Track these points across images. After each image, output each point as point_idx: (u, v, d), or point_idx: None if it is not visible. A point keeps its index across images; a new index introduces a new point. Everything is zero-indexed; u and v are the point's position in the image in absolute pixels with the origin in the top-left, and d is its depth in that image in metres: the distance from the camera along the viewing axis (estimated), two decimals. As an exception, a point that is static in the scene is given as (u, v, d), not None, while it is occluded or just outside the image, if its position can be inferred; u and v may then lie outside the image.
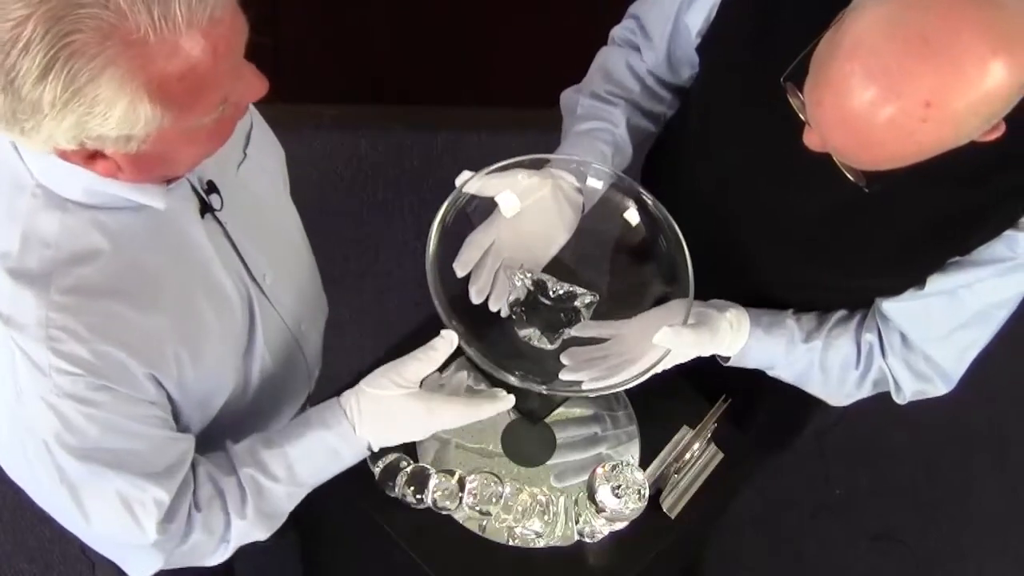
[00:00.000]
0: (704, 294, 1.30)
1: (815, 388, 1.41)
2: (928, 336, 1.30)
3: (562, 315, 1.28)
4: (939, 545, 2.36)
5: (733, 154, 1.30)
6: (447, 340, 1.18)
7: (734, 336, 1.32)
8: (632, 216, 1.30)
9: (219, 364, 1.19)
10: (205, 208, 1.13)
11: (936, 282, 1.25)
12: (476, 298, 1.26)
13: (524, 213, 1.27)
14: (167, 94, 0.89)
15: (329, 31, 2.54)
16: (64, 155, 0.94)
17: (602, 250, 1.33)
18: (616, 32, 1.46)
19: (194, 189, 1.12)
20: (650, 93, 1.44)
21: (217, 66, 0.90)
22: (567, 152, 1.36)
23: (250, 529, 1.21)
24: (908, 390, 1.36)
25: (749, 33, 1.22)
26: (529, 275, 1.27)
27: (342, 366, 1.48)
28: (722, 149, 1.31)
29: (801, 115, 1.06)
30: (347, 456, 1.23)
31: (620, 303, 1.30)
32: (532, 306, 1.27)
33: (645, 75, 1.43)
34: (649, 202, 1.28)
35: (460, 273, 1.23)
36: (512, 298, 1.27)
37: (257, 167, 1.22)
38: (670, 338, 1.21)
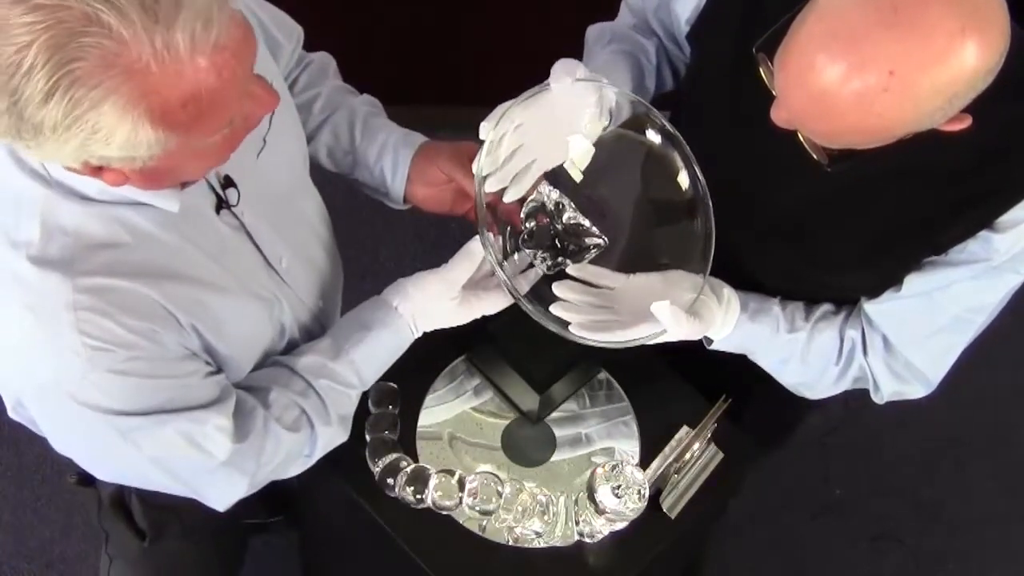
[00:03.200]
0: None
1: (793, 378, 1.40)
2: (907, 339, 1.30)
3: (568, 244, 1.28)
4: (939, 545, 2.36)
5: (718, 139, 1.29)
6: (472, 247, 1.28)
7: (725, 320, 1.32)
8: (683, 180, 1.28)
9: (242, 342, 1.22)
10: (221, 203, 1.15)
11: (912, 283, 1.24)
12: (500, 184, 1.24)
13: (558, 110, 1.25)
14: (171, 119, 0.89)
15: (329, 31, 2.54)
16: (71, 169, 0.95)
17: (635, 201, 1.32)
18: (614, 26, 1.47)
19: (210, 186, 1.13)
20: (672, 37, 1.43)
21: (222, 91, 0.90)
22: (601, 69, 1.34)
23: (334, 434, 1.29)
24: (886, 390, 1.36)
25: (737, 19, 1.22)
26: (555, 192, 1.27)
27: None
28: (711, 136, 1.31)
29: (770, 86, 1.06)
30: (403, 347, 1.33)
31: (625, 259, 1.30)
32: (544, 221, 1.28)
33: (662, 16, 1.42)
34: (699, 175, 1.27)
35: (482, 134, 1.21)
36: (530, 206, 1.28)
37: (277, 152, 1.23)
38: (668, 319, 1.21)
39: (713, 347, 1.37)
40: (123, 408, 1.07)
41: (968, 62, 0.94)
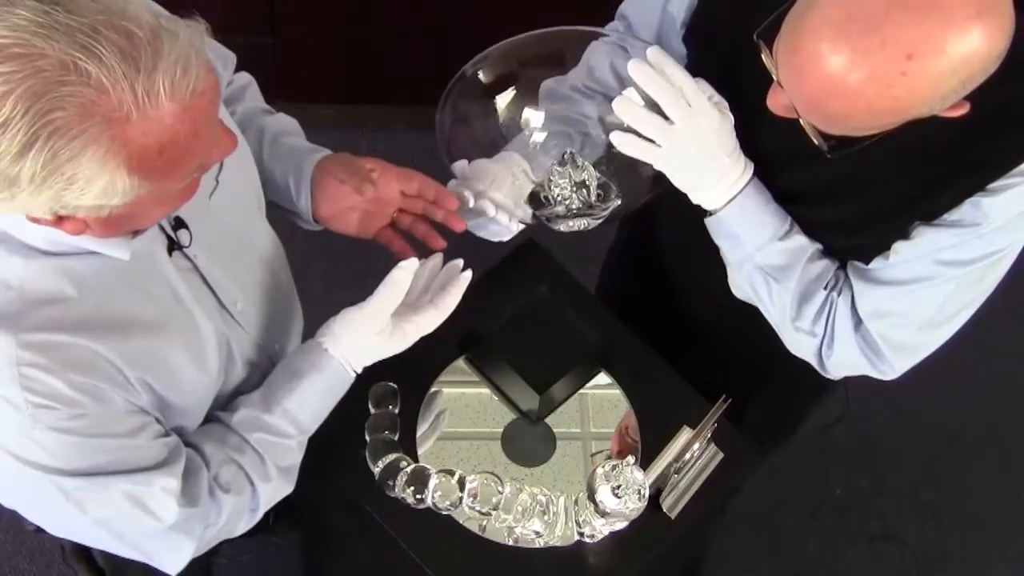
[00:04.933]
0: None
1: (771, 300, 1.32)
2: (892, 321, 1.26)
3: (589, 195, 1.32)
4: (939, 545, 2.36)
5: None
6: (408, 268, 1.25)
7: (729, 176, 1.24)
8: None
9: (196, 390, 1.19)
10: (173, 246, 1.12)
11: (901, 251, 1.22)
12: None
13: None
14: (147, 168, 0.88)
15: (329, 31, 2.54)
16: (32, 219, 0.93)
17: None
18: (605, 30, 1.46)
19: (162, 228, 1.10)
20: None
21: (198, 137, 0.90)
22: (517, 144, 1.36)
23: (276, 489, 1.24)
24: (840, 345, 1.29)
25: (729, 16, 1.22)
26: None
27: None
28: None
29: (772, 73, 1.05)
30: (340, 390, 1.28)
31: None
32: (582, 174, 1.33)
33: (626, 76, 1.41)
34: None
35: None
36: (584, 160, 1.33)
37: (230, 193, 1.20)
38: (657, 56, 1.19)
39: (709, 225, 1.31)
40: (66, 467, 1.04)
41: (983, 45, 0.94)
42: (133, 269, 1.07)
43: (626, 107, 1.20)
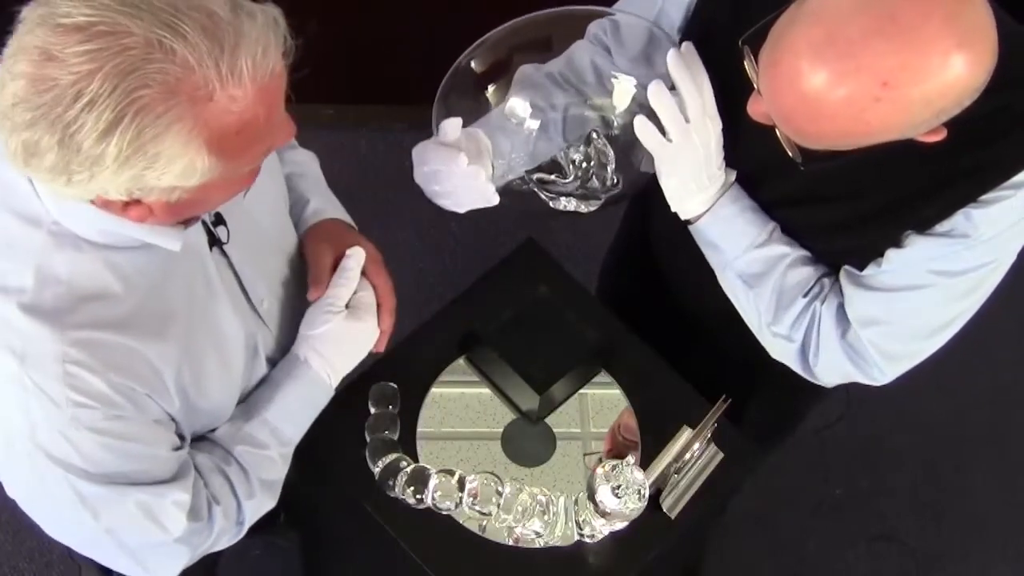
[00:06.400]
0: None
1: (748, 305, 1.32)
2: (882, 329, 1.25)
3: (595, 180, 1.31)
4: (939, 545, 2.36)
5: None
6: (356, 257, 1.29)
7: (710, 189, 1.26)
8: None
9: (223, 388, 1.19)
10: (213, 241, 1.13)
11: (894, 259, 1.21)
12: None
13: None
14: (225, 148, 0.88)
15: (329, 31, 2.54)
16: (104, 203, 0.93)
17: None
18: (590, 28, 1.44)
19: (203, 223, 1.11)
20: (604, 91, 1.41)
21: (270, 119, 0.90)
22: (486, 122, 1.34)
23: (259, 504, 1.24)
24: (826, 353, 1.29)
25: (725, 21, 1.22)
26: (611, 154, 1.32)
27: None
28: None
29: (753, 81, 1.05)
30: (320, 402, 1.28)
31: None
32: (593, 158, 1.32)
33: (606, 74, 1.39)
34: None
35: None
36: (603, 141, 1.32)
37: (261, 191, 1.21)
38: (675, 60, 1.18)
39: (691, 230, 1.31)
40: (92, 471, 1.05)
41: (960, 78, 0.94)
42: (176, 265, 1.07)
43: (659, 94, 1.20)
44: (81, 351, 0.99)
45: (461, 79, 1.33)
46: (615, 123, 1.32)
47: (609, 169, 1.32)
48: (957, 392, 2.44)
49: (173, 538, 1.14)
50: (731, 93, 1.20)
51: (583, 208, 1.33)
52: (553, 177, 1.34)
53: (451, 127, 1.25)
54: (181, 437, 1.15)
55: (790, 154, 1.09)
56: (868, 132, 0.99)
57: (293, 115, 0.98)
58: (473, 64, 1.33)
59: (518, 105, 1.33)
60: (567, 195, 1.33)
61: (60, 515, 1.12)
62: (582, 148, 1.33)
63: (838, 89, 0.95)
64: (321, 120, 2.63)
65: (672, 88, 1.21)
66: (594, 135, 1.33)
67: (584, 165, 1.33)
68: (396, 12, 2.49)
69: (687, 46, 1.20)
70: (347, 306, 1.28)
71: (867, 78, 0.94)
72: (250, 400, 1.26)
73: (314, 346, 1.26)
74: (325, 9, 2.48)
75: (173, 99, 0.84)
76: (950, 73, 0.93)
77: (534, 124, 1.34)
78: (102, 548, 1.15)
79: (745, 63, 1.06)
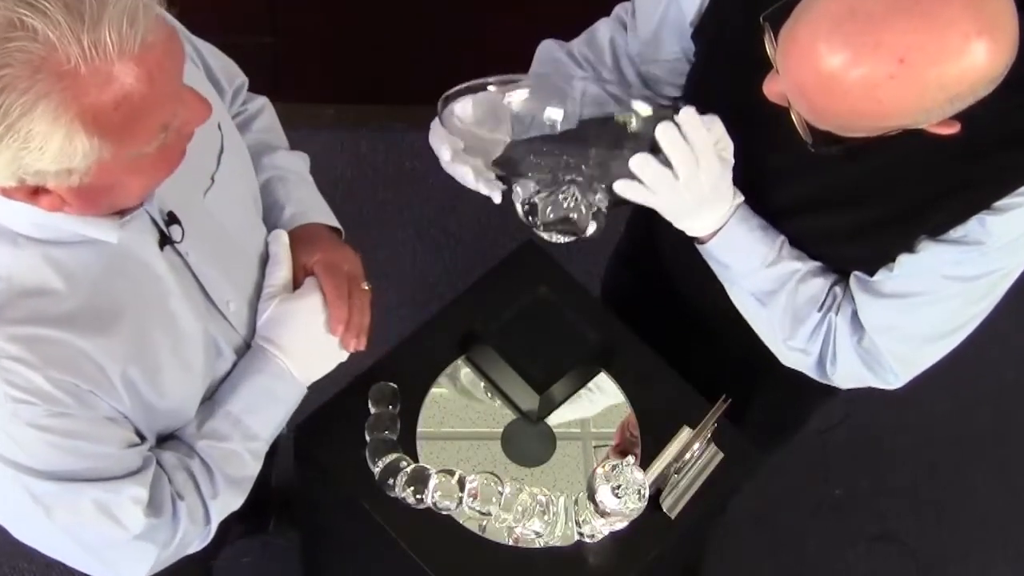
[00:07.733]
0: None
1: (761, 322, 1.33)
2: (895, 334, 1.26)
3: (572, 216, 1.28)
4: (939, 545, 2.36)
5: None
6: (277, 240, 1.27)
7: (716, 212, 1.25)
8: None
9: (182, 389, 1.18)
10: (165, 240, 1.11)
11: (906, 264, 1.22)
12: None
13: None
14: (103, 124, 0.87)
15: (329, 31, 2.54)
16: (6, 192, 0.92)
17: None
18: (616, 8, 1.46)
19: (153, 221, 1.10)
20: (619, 74, 1.42)
21: (153, 92, 0.89)
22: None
23: (225, 503, 1.22)
24: (843, 361, 1.29)
25: (741, 19, 1.22)
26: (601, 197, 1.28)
27: (341, 364, 1.48)
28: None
29: (771, 58, 1.05)
30: (282, 393, 1.25)
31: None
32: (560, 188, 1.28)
33: (622, 55, 1.40)
34: None
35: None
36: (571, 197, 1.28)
37: (226, 193, 1.20)
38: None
39: (701, 249, 1.32)
40: (40, 468, 1.04)
41: (977, 65, 0.94)
42: (122, 263, 1.06)
43: (643, 165, 1.20)
44: (18, 346, 0.99)
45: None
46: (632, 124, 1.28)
47: (603, 215, 1.29)
48: (957, 392, 2.44)
49: (132, 535, 1.12)
50: (743, 92, 1.20)
51: (561, 240, 1.30)
52: (531, 220, 1.30)
53: (460, 109, 1.26)
54: (141, 436, 1.14)
55: (801, 135, 1.08)
56: (879, 112, 0.99)
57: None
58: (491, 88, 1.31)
59: (552, 112, 1.30)
60: (552, 225, 1.30)
61: (16, 514, 1.11)
62: (575, 195, 1.28)
63: (855, 64, 0.95)
64: (321, 120, 2.63)
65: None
66: (560, 176, 1.28)
67: (576, 208, 1.28)
68: (396, 12, 2.49)
69: (686, 112, 1.18)
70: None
71: (884, 54, 0.94)
72: (214, 396, 1.24)
73: (261, 333, 1.25)
74: (325, 9, 2.48)
75: (37, 76, 0.83)
76: (967, 59, 0.93)
77: (557, 115, 1.30)
78: (63, 548, 1.15)
79: (766, 43, 1.06)
